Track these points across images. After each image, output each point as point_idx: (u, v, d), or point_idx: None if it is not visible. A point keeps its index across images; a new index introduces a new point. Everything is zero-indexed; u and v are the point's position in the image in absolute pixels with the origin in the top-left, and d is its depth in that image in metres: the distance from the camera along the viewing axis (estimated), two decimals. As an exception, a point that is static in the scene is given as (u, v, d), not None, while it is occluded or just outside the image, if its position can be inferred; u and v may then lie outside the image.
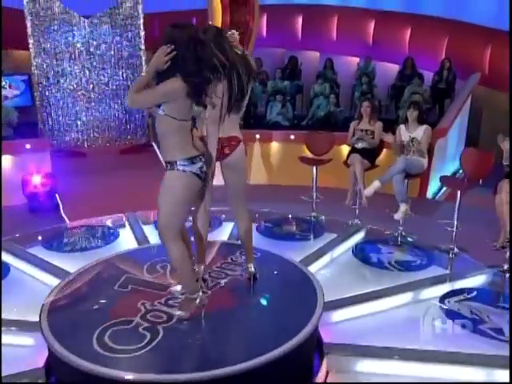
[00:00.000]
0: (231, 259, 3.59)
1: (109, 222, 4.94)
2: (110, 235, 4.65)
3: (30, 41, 7.58)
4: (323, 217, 5.13)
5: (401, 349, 2.88)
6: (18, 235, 4.57)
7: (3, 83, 7.17)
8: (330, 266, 4.10)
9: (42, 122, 7.71)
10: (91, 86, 8.06)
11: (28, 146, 5.87)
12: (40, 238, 4.61)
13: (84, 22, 7.89)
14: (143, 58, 8.31)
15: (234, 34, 2.88)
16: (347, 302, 3.39)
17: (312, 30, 9.92)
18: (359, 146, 5.07)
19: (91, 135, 8.14)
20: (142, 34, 8.23)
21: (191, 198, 2.72)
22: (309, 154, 5.44)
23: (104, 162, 7.56)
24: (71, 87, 7.94)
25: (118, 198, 5.91)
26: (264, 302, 3.14)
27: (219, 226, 4.79)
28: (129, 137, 8.37)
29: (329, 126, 6.84)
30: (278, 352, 2.51)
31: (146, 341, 2.59)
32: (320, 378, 2.84)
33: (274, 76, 8.35)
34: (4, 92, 7.14)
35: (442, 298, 3.41)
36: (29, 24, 7.55)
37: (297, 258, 3.92)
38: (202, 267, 3.17)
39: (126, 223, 4.88)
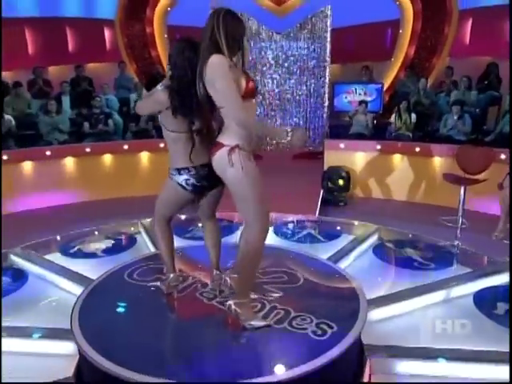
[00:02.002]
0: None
1: (235, 218, 4.81)
2: (228, 229, 4.50)
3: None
4: (465, 247, 4.01)
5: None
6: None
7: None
8: (438, 306, 3.14)
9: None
10: (277, 94, 8.30)
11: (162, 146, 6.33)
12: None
13: (276, 37, 8.16)
14: (327, 70, 8.14)
15: None
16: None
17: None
18: (522, 165, 3.79)
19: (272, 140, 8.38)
20: (328, 46, 8.06)
21: (177, 202, 2.69)
22: (460, 172, 4.35)
23: (275, 164, 7.66)
24: (260, 95, 8.32)
25: (271, 195, 5.83)
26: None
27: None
28: (306, 143, 8.26)
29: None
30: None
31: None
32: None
33: (460, 85, 7.00)
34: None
35: None
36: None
37: (399, 287, 3.21)
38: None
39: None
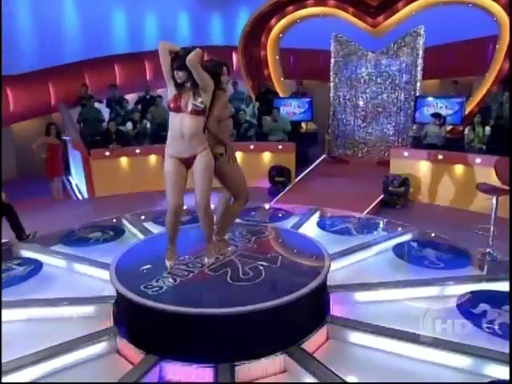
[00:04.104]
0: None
1: (292, 209, 5.07)
2: (280, 217, 4.82)
3: (331, 73, 8.43)
4: (493, 254, 3.69)
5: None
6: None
7: (293, 104, 8.31)
8: (424, 299, 3.05)
9: (333, 133, 8.44)
10: (370, 107, 8.23)
11: (280, 147, 6.75)
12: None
13: (370, 56, 8.08)
14: (418, 85, 7.78)
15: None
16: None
17: None
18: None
19: (363, 148, 8.36)
20: (420, 63, 7.68)
21: None
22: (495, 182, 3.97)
23: (358, 169, 7.66)
24: (353, 108, 8.35)
25: (337, 194, 5.96)
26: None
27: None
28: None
29: None
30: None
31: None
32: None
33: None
34: (293, 110, 8.29)
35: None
36: (333, 61, 8.40)
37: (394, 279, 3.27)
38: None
39: (310, 213, 4.79)
